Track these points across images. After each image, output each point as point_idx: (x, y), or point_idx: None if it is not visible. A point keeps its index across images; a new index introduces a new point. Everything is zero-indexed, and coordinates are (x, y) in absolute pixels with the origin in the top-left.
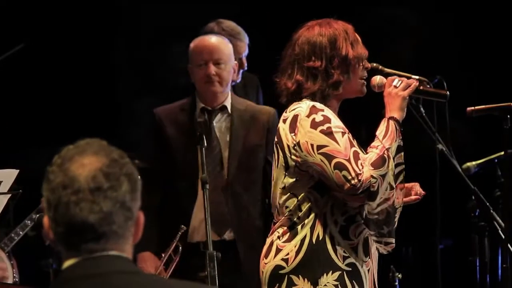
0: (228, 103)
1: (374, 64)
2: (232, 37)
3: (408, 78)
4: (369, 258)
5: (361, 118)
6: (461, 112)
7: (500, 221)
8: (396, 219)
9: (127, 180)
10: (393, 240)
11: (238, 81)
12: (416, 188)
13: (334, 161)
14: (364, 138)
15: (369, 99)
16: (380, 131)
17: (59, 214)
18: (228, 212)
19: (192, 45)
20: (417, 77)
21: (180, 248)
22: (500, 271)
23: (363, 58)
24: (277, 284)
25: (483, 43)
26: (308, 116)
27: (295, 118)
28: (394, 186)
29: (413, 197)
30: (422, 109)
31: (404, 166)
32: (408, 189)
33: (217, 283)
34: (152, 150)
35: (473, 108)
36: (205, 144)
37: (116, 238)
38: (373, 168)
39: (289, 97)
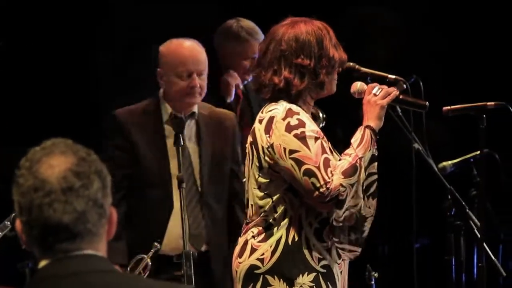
0: (196, 109)
1: (351, 64)
2: (250, 36)
3: (385, 78)
4: (342, 260)
5: (338, 119)
6: (437, 111)
7: (475, 220)
8: (366, 228)
9: (97, 178)
10: (359, 250)
11: (250, 79)
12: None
13: (304, 167)
14: (340, 138)
15: (346, 100)
16: (355, 139)
17: (33, 217)
18: (204, 225)
19: (168, 51)
20: (393, 76)
21: (150, 264)
22: (475, 270)
23: (343, 62)
24: (252, 284)
25: (460, 42)
26: (283, 119)
27: (271, 119)
28: (361, 195)
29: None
30: (398, 108)
31: (376, 176)
32: None
33: (193, 282)
34: (108, 154)
35: (449, 107)
36: (182, 143)
37: (91, 237)
38: (343, 177)
39: (275, 93)
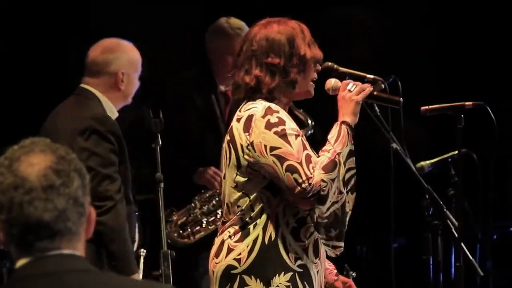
0: None
1: (329, 64)
2: (235, 32)
3: (363, 77)
4: (319, 259)
5: (316, 119)
6: (415, 111)
7: (453, 219)
8: (346, 223)
9: (77, 176)
10: (342, 244)
11: None
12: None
13: (286, 163)
14: (319, 139)
15: (325, 101)
16: (332, 135)
17: (13, 216)
18: None
19: (136, 54)
20: (372, 76)
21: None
22: (453, 269)
23: (318, 60)
24: (229, 284)
25: (439, 43)
26: (263, 116)
27: (250, 118)
28: (344, 190)
29: None
30: (376, 108)
31: (355, 171)
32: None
33: (171, 282)
34: None
35: (427, 107)
36: (160, 143)
37: (71, 235)
38: (324, 172)
39: (248, 93)
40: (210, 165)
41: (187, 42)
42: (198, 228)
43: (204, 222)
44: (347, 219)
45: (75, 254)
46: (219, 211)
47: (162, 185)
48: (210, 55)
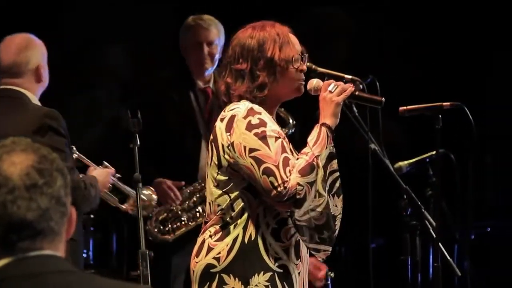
0: None
1: (308, 64)
2: (195, 23)
3: (342, 77)
4: (300, 261)
5: (295, 118)
6: (393, 111)
7: (431, 220)
8: (337, 227)
9: (60, 175)
10: (330, 248)
11: (209, 71)
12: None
13: (263, 166)
14: (297, 139)
15: (303, 101)
16: (312, 137)
17: None
18: None
19: (41, 43)
20: (350, 76)
21: None
22: (431, 269)
23: (292, 61)
24: (208, 283)
25: (417, 43)
26: (245, 117)
27: (232, 118)
28: (325, 193)
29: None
30: (354, 108)
31: (338, 173)
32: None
33: (149, 282)
34: None
35: (405, 107)
36: (138, 143)
37: (53, 235)
38: (300, 176)
39: (224, 97)
40: (189, 162)
41: (166, 42)
42: (178, 224)
43: (185, 218)
44: (337, 223)
45: (56, 255)
46: (199, 208)
47: (140, 185)
48: (183, 53)
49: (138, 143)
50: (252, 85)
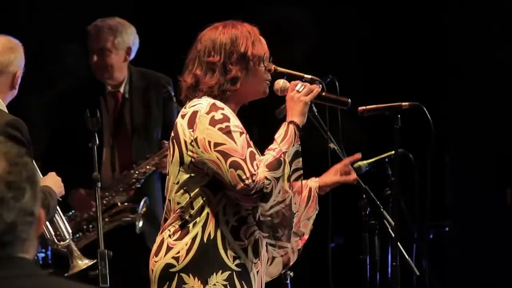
0: None
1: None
2: (93, 29)
3: (301, 77)
4: (259, 260)
5: (254, 119)
6: (352, 111)
7: (390, 219)
8: (294, 224)
9: (29, 186)
10: (288, 245)
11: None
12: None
13: (230, 159)
14: (256, 138)
15: (262, 100)
16: (279, 134)
17: None
18: None
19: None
20: (309, 76)
21: None
22: (389, 269)
23: (263, 59)
24: (167, 283)
25: (375, 43)
26: (207, 113)
27: (194, 114)
28: (290, 190)
29: (351, 177)
30: (314, 108)
31: (302, 171)
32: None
33: (107, 282)
34: None
35: (364, 107)
36: (98, 142)
37: (22, 242)
38: (268, 170)
39: (187, 92)
40: (88, 168)
41: None
42: (78, 235)
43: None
44: (295, 220)
45: (25, 257)
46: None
47: (99, 184)
48: None
49: (97, 142)
50: (223, 79)
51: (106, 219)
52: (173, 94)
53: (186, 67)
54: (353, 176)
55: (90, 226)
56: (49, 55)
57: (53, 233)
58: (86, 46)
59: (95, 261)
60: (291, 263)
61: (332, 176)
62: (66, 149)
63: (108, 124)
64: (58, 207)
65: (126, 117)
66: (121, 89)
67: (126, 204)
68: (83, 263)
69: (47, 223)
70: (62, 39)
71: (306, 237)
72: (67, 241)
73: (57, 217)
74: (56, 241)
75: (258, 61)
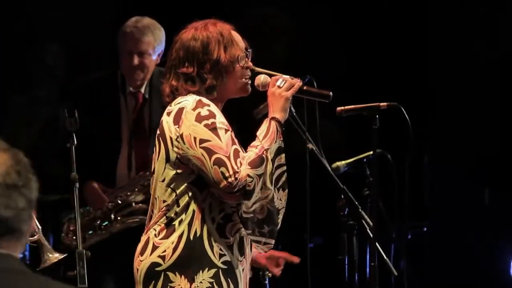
0: None
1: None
2: (130, 31)
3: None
4: (244, 258)
5: (233, 116)
6: (331, 111)
7: (368, 220)
8: (279, 220)
9: (34, 179)
10: (273, 242)
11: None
12: (281, 260)
13: (214, 156)
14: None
15: (242, 98)
16: (261, 131)
17: None
18: None
19: None
20: (288, 76)
21: None
22: (368, 269)
23: (237, 60)
24: (153, 282)
25: (355, 43)
26: (194, 109)
27: (180, 111)
28: (271, 186)
29: (275, 269)
30: (292, 108)
31: (285, 168)
32: (275, 258)
33: (86, 282)
34: None
35: (342, 108)
36: (75, 143)
37: (18, 235)
38: (250, 167)
39: (167, 98)
40: (106, 165)
41: (105, 43)
42: (91, 232)
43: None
44: (280, 216)
45: (11, 254)
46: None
47: (77, 185)
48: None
49: (75, 142)
50: (202, 88)
51: (119, 218)
52: None
53: (164, 74)
54: (278, 271)
55: (103, 224)
56: (29, 55)
57: None
58: (65, 46)
59: (65, 255)
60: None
61: (263, 259)
62: (86, 147)
63: (128, 124)
64: None
65: (145, 117)
66: (142, 90)
67: (140, 205)
68: (54, 256)
69: None
70: (42, 39)
71: None
72: (37, 236)
73: None
74: None
75: (232, 64)
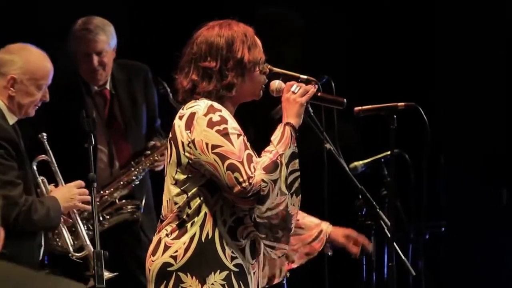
0: None
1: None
2: (81, 34)
3: (297, 78)
4: (256, 261)
5: (249, 120)
6: (348, 111)
7: (386, 220)
8: (292, 226)
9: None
10: (286, 247)
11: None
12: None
13: (227, 162)
14: (251, 140)
15: (258, 101)
16: (275, 136)
17: None
18: None
19: (39, 63)
20: (305, 76)
21: None
22: (386, 269)
23: (259, 63)
24: (165, 282)
25: (372, 43)
26: (205, 115)
27: (192, 116)
28: (287, 192)
29: (354, 248)
30: (310, 108)
31: (299, 173)
32: (353, 238)
33: (104, 282)
34: None
35: (360, 108)
36: (94, 143)
37: None
38: (264, 173)
39: (184, 95)
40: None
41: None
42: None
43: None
44: (293, 222)
45: None
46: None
47: (95, 185)
48: (73, 61)
49: (93, 142)
50: (220, 84)
51: (107, 217)
52: (169, 90)
53: (182, 68)
54: (357, 250)
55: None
56: None
57: (70, 242)
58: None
59: (116, 274)
60: (275, 281)
61: (341, 237)
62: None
63: (101, 123)
64: (78, 218)
65: (117, 112)
66: (107, 86)
67: (124, 201)
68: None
69: (65, 232)
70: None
71: (293, 266)
72: (85, 251)
73: (62, 228)
74: (71, 250)
75: (254, 66)
